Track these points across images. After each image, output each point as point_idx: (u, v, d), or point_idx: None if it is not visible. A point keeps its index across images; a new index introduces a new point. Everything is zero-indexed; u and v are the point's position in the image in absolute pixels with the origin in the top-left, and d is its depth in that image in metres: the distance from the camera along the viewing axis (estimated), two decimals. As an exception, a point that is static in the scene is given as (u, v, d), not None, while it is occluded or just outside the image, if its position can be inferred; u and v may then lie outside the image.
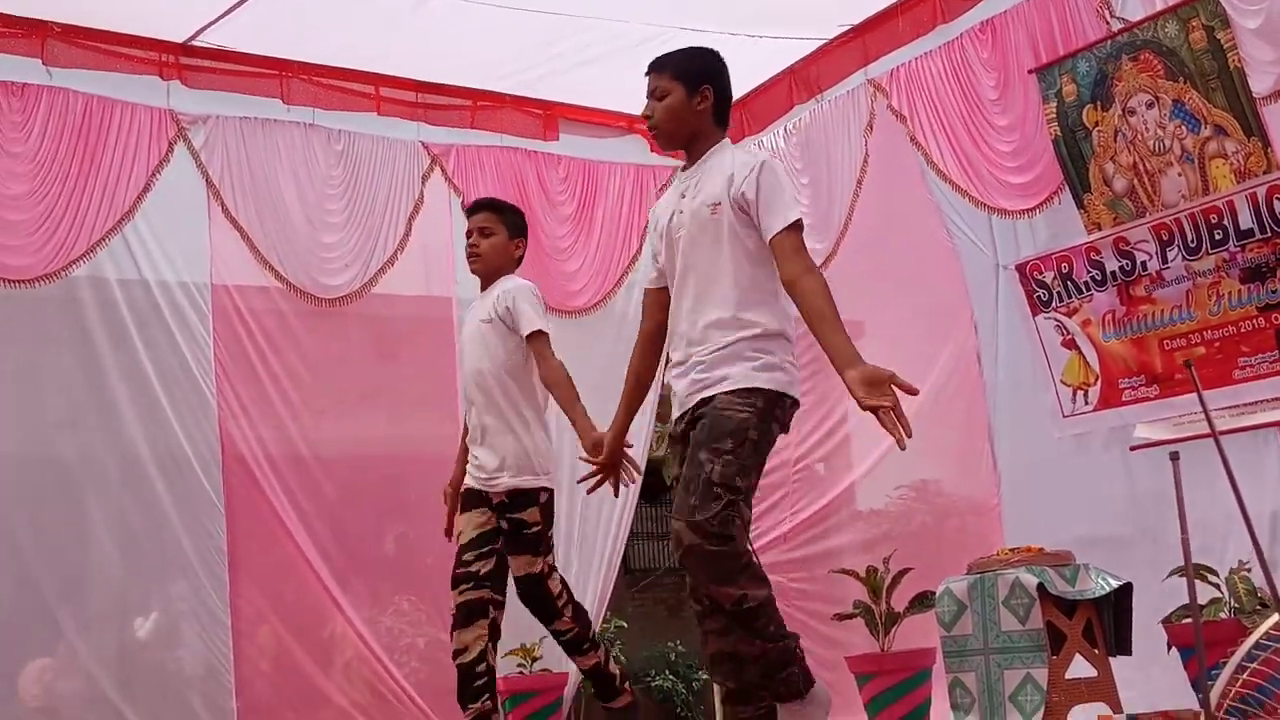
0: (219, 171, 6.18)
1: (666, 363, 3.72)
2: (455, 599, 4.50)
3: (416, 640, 6.18)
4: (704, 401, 3.47)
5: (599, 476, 3.96)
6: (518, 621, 6.28)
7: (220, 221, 6.18)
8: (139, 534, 5.86)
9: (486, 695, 4.46)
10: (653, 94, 3.66)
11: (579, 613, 4.66)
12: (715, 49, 3.76)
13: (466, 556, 4.52)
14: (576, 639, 4.65)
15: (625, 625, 8.86)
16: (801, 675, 3.50)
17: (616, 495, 4.15)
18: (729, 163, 3.56)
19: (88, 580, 5.81)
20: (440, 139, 6.74)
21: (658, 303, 3.75)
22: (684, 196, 3.62)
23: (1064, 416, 5.62)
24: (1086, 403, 5.54)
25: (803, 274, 3.39)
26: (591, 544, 6.82)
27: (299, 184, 6.36)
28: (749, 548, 3.43)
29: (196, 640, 5.85)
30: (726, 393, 3.41)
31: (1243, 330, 4.98)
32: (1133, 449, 5.23)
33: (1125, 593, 4.63)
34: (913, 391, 3.13)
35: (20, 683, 5.53)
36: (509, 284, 4.71)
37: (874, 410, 3.10)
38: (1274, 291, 4.89)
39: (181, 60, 6.04)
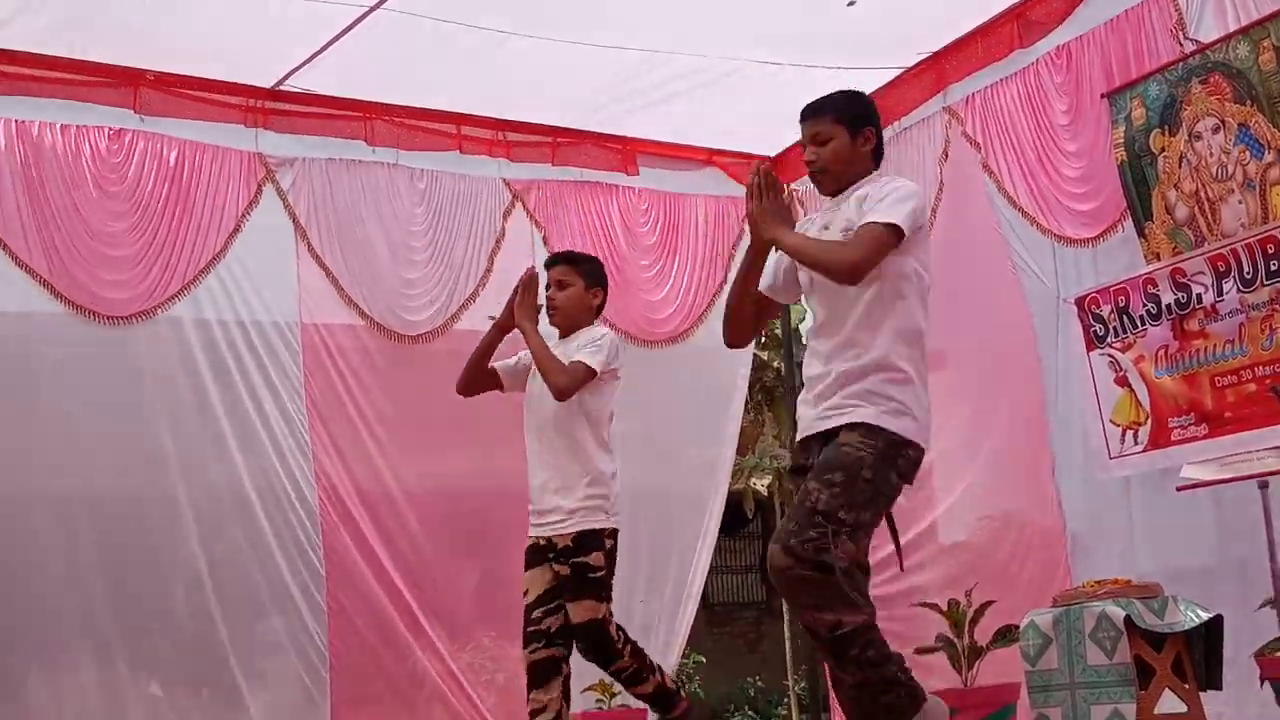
0: (306, 212, 6.31)
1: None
2: (527, 658, 4.51)
3: (496, 675, 6.20)
4: (827, 435, 3.47)
5: None
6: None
7: (308, 261, 6.32)
8: (241, 569, 5.93)
9: None
10: (814, 139, 3.66)
11: (635, 647, 4.64)
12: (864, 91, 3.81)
13: (536, 614, 4.53)
14: (636, 671, 4.64)
15: (704, 660, 8.83)
16: (906, 699, 3.38)
17: None
18: (871, 188, 3.59)
19: (186, 614, 5.84)
20: (522, 175, 6.83)
21: (758, 303, 3.76)
22: (827, 229, 3.62)
23: (1110, 458, 5.40)
24: (1136, 443, 5.29)
25: (840, 247, 3.47)
26: (666, 578, 6.79)
27: (383, 223, 6.48)
28: (848, 577, 3.35)
29: (296, 673, 5.92)
30: (849, 429, 3.40)
31: (1294, 366, 4.72)
32: (1179, 489, 5.08)
33: (1215, 625, 4.55)
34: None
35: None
36: (594, 333, 4.70)
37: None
38: (1327, 326, 4.65)
39: (268, 105, 6.21)
